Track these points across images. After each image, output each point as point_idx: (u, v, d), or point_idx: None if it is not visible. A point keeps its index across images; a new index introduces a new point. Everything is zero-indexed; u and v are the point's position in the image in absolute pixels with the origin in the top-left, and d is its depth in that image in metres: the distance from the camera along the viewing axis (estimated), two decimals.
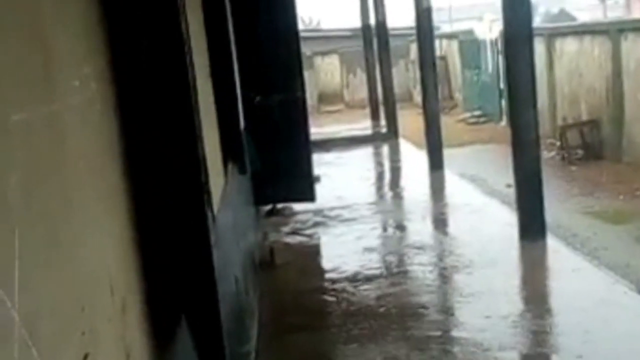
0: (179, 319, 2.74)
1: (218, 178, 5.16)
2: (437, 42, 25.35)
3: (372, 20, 18.98)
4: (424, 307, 6.64)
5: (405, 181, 13.57)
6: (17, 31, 1.46)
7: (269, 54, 9.21)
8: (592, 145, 14.42)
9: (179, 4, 2.65)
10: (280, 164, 9.35)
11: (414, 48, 21.98)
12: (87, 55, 1.99)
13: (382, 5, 17.84)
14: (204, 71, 5.17)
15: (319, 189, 10.29)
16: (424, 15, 12.55)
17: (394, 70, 20.38)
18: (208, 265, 2.63)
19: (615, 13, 34.50)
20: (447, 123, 18.86)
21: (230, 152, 6.05)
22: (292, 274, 7.95)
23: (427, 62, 12.96)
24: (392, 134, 17.63)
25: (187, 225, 2.62)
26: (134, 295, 2.20)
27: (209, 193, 3.75)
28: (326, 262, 8.64)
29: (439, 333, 6.01)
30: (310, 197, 9.74)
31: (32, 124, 1.47)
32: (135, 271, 2.27)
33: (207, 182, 3.65)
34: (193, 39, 3.99)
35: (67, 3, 1.88)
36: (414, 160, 14.58)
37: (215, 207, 4.49)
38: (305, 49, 24.57)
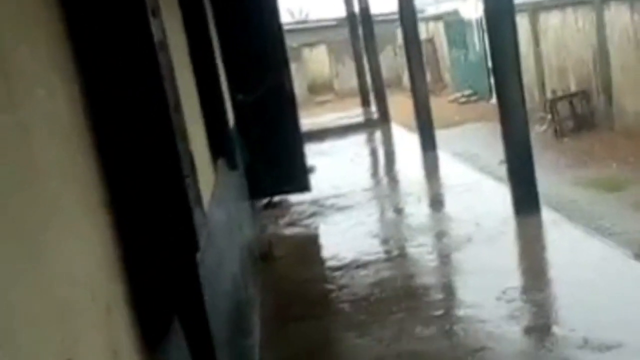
0: (171, 319, 2.75)
1: (208, 175, 5.17)
2: (423, 25, 25.39)
3: (357, 8, 18.97)
4: (424, 288, 6.67)
5: (399, 165, 13.61)
6: None
7: (253, 47, 9.20)
8: (582, 116, 14.42)
9: (147, 6, 2.66)
10: (273, 157, 9.37)
11: (399, 33, 21.96)
12: (52, 63, 2.00)
13: None
14: (185, 69, 5.17)
15: (314, 179, 10.32)
16: None
17: (382, 56, 20.41)
18: (192, 262, 2.64)
19: None
20: (439, 104, 18.86)
21: (219, 148, 6.05)
22: (291, 265, 7.97)
23: (413, 45, 12.97)
24: (384, 119, 17.65)
25: (170, 223, 2.62)
26: (119, 299, 2.21)
27: (197, 190, 3.77)
28: (325, 251, 8.67)
29: (440, 312, 6.04)
30: (305, 187, 9.76)
31: None
32: (119, 275, 2.27)
33: (194, 179, 3.67)
34: (171, 37, 4.00)
35: (27, 12, 1.88)
36: (406, 143, 14.60)
37: (206, 204, 4.51)
38: (293, 41, 24.58)
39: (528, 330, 5.49)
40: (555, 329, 5.43)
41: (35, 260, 1.59)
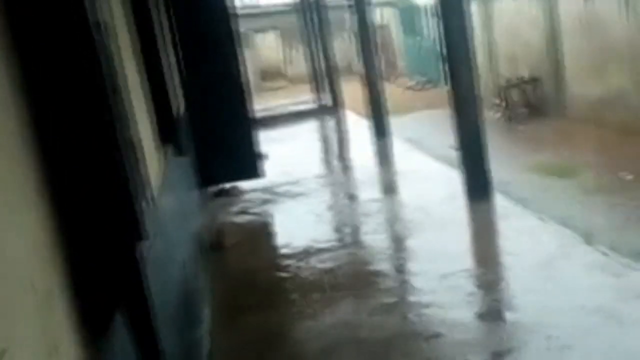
0: (114, 309, 2.65)
1: (155, 162, 5.06)
2: (377, 11, 25.34)
3: None
4: (377, 274, 6.64)
5: (351, 152, 13.57)
6: None
7: (202, 34, 9.08)
8: (534, 103, 14.50)
9: None
10: (224, 144, 9.28)
11: (352, 19, 21.91)
12: None
13: None
14: (131, 54, 5.04)
15: (266, 166, 10.22)
16: None
17: (335, 43, 20.31)
18: (135, 251, 2.55)
19: None
20: (393, 91, 18.85)
21: (167, 135, 5.93)
22: (243, 254, 7.87)
23: (365, 32, 12.95)
24: (337, 106, 17.61)
25: (111, 210, 2.52)
26: (58, 288, 2.12)
27: (141, 177, 3.66)
28: (277, 239, 8.58)
29: (394, 299, 6.00)
30: (256, 173, 9.68)
31: None
32: (58, 263, 2.18)
33: (138, 166, 3.56)
34: (116, 21, 3.88)
35: None
36: (359, 130, 14.57)
37: (153, 192, 4.39)
38: (243, 27, 24.31)
39: (480, 316, 5.49)
40: (507, 315, 5.44)
41: None
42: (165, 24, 8.10)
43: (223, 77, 9.16)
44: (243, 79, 9.40)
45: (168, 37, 8.06)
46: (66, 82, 2.41)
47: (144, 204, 3.56)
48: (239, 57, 9.36)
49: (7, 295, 1.68)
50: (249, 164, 9.46)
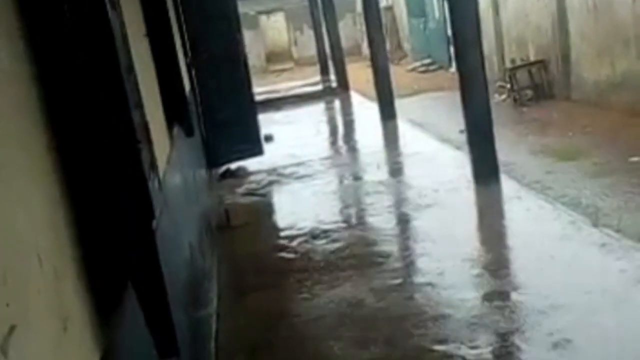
0: (124, 286, 2.66)
1: (163, 142, 5.06)
2: None
3: None
4: (383, 255, 6.64)
5: (358, 134, 13.58)
6: None
7: (205, 13, 9.08)
8: (541, 85, 14.45)
9: None
10: (227, 124, 9.31)
11: (359, 0, 21.81)
12: None
13: None
14: (139, 33, 5.03)
15: (271, 148, 10.24)
16: None
17: (341, 24, 20.29)
18: (148, 228, 2.55)
19: None
20: (398, 73, 18.81)
21: (175, 115, 5.93)
22: (249, 235, 7.89)
23: (372, 13, 12.92)
24: (343, 88, 17.61)
25: (124, 187, 2.53)
26: (68, 264, 2.12)
27: (151, 156, 3.66)
28: (283, 221, 8.59)
29: (399, 281, 6.01)
30: (258, 151, 9.74)
31: None
32: (69, 239, 2.18)
33: (149, 145, 3.56)
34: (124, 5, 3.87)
35: None
36: (366, 112, 14.56)
37: (162, 171, 4.40)
38: (249, 9, 24.27)
39: (487, 297, 5.48)
40: (513, 296, 5.45)
41: None
42: (171, 2, 8.08)
43: (227, 56, 9.18)
44: (244, 58, 9.44)
45: (173, 16, 8.04)
46: (80, 57, 2.41)
47: (153, 182, 3.57)
48: (242, 37, 9.38)
49: (17, 272, 1.68)
50: (252, 142, 9.52)
